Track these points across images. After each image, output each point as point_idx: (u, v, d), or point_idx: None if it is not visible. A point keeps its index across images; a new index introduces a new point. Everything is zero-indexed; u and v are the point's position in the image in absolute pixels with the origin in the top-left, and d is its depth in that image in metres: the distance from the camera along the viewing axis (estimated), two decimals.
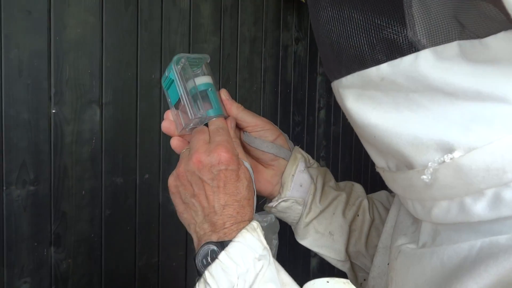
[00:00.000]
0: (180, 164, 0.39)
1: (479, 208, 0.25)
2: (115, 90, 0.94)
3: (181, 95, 0.41)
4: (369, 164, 1.92)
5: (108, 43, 0.92)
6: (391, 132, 0.26)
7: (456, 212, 0.26)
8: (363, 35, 0.26)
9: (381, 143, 0.28)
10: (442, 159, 0.25)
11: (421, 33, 0.24)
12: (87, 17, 0.88)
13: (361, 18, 0.26)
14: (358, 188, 0.52)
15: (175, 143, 0.45)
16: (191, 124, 0.42)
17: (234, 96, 1.24)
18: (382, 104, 0.27)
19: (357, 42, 0.27)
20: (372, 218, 0.49)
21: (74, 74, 0.87)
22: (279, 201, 0.47)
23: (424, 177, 0.25)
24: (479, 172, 0.24)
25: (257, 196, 0.43)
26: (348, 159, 1.79)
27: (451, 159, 0.24)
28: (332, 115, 1.66)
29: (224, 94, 0.45)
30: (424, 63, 0.24)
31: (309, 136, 1.55)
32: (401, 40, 0.25)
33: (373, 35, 0.26)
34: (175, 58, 0.42)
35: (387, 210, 0.52)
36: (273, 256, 0.38)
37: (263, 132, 0.45)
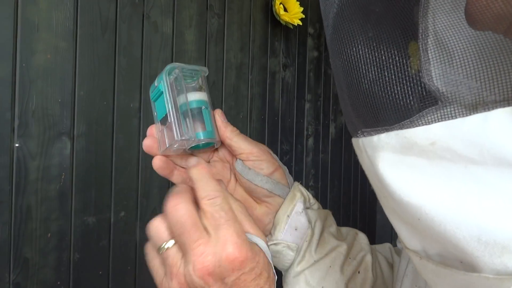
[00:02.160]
0: (173, 266, 0.30)
1: None
2: (88, 120, 0.86)
3: (168, 110, 0.36)
4: (359, 194, 1.86)
5: (82, 70, 0.85)
6: (445, 219, 0.19)
7: None
8: (410, 82, 0.20)
9: (427, 228, 0.20)
10: None
11: (492, 85, 0.18)
12: (59, 42, 0.81)
13: (406, 61, 0.20)
14: (362, 239, 0.45)
15: (157, 163, 0.38)
16: (176, 145, 0.36)
17: None
18: (428, 177, 0.20)
19: (399, 92, 0.20)
20: (375, 278, 0.42)
21: (42, 103, 0.79)
22: (269, 243, 0.39)
23: None
24: None
25: None
26: (338, 188, 1.72)
27: None
28: (321, 143, 1.61)
29: (218, 115, 0.39)
30: (497, 128, 0.17)
31: (297, 165, 1.49)
32: (463, 93, 0.18)
33: (423, 83, 0.19)
34: (168, 67, 0.36)
35: (391, 266, 0.46)
36: None
37: (258, 163, 0.38)
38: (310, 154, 1.56)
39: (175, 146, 0.36)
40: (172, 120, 0.35)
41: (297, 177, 1.49)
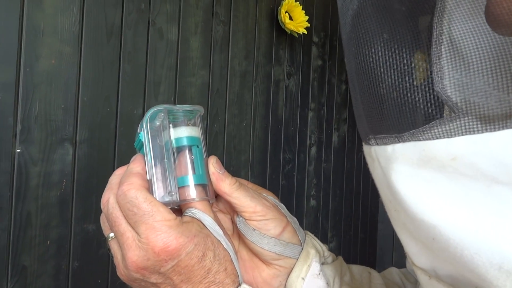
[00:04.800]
0: (115, 257, 0.30)
1: None
2: (91, 126, 0.85)
3: (147, 165, 0.30)
4: (361, 204, 1.84)
5: (86, 75, 0.84)
6: (462, 242, 0.17)
7: None
8: (431, 89, 0.18)
9: (441, 249, 0.19)
10: None
11: None
12: (63, 48, 0.80)
13: (429, 66, 0.18)
14: (377, 280, 0.41)
15: None
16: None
17: (222, 133, 1.16)
18: (445, 194, 0.18)
19: (419, 98, 0.18)
20: None
21: (45, 109, 0.78)
22: None
23: None
24: None
25: None
26: (339, 197, 1.71)
27: None
28: (323, 152, 1.60)
29: (213, 165, 0.32)
30: None
31: (299, 174, 1.47)
32: (492, 105, 0.17)
33: (447, 92, 0.18)
34: (150, 111, 0.30)
35: None
36: None
37: (264, 223, 0.33)
38: (313, 163, 1.55)
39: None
40: (151, 177, 0.30)
41: (299, 187, 1.48)
